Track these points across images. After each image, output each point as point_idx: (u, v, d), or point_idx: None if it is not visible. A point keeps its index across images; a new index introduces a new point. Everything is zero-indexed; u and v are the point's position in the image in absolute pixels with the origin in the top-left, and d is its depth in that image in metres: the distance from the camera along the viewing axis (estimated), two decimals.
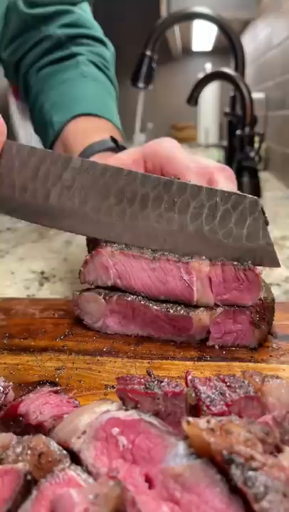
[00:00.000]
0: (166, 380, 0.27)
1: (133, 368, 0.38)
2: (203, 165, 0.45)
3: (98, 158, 0.54)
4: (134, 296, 0.41)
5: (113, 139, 0.56)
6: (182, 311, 0.40)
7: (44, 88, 0.68)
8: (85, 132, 0.59)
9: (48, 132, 0.64)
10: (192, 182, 0.42)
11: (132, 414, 0.25)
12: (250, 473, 0.20)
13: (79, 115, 0.61)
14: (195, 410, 0.27)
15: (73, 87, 0.66)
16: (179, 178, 0.44)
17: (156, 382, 0.27)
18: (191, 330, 0.40)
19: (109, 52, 0.75)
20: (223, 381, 0.27)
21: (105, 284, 0.43)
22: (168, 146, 0.46)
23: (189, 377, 0.28)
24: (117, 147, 0.56)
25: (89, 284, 0.44)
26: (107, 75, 0.71)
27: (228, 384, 0.27)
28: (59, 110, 0.63)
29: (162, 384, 0.27)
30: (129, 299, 0.41)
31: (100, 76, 0.70)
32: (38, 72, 0.69)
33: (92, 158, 0.54)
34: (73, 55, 0.69)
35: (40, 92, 0.68)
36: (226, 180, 0.44)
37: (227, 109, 1.34)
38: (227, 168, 0.46)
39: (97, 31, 0.74)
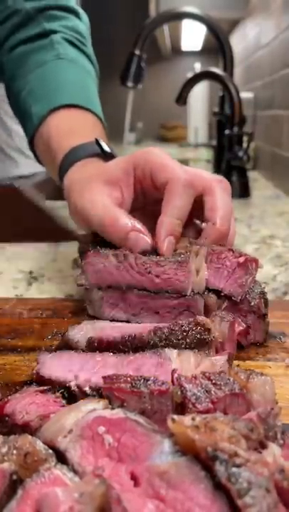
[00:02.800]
0: (152, 378, 0.28)
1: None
2: (198, 175, 0.45)
3: (83, 165, 0.52)
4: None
5: (98, 143, 0.54)
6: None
7: (19, 72, 0.64)
8: (68, 132, 0.57)
9: (26, 124, 0.61)
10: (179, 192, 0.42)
11: (118, 413, 0.25)
12: (234, 469, 0.20)
13: (60, 106, 0.58)
14: (181, 408, 0.27)
15: (51, 72, 0.62)
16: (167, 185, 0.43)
17: (142, 381, 0.27)
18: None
19: (83, 24, 0.71)
20: (209, 379, 0.27)
21: (103, 285, 0.45)
22: (159, 154, 0.46)
23: (175, 376, 0.28)
24: (102, 152, 0.54)
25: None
26: (84, 53, 0.68)
27: (213, 381, 0.27)
28: (37, 100, 0.60)
29: (148, 382, 0.27)
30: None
31: (79, 57, 0.66)
32: (11, 52, 0.65)
33: (77, 165, 0.52)
34: (46, 34, 0.65)
35: (16, 76, 0.64)
36: (223, 192, 0.44)
37: (216, 109, 1.35)
38: (224, 180, 0.45)
39: (68, 0, 0.70)
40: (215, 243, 0.43)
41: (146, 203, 0.48)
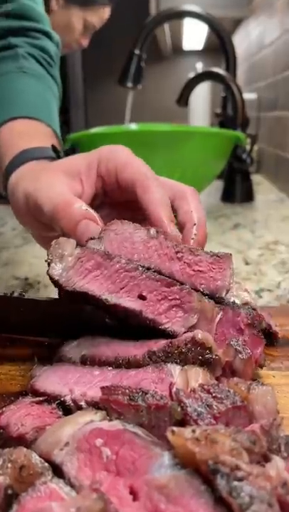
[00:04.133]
0: (151, 391, 0.28)
1: None
2: (166, 181, 0.45)
3: (36, 164, 0.50)
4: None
5: (54, 149, 0.53)
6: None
7: None
8: (22, 135, 0.55)
9: None
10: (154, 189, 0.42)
11: (116, 425, 0.25)
12: (236, 483, 0.21)
13: (16, 117, 0.57)
14: (180, 424, 0.27)
15: (11, 82, 0.62)
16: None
17: (140, 394, 0.27)
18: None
19: (54, 46, 0.70)
20: (208, 392, 0.27)
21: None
22: (126, 151, 0.45)
23: (174, 390, 0.28)
24: (58, 158, 0.52)
25: None
26: (49, 72, 0.68)
27: (213, 395, 0.27)
28: None
29: (147, 396, 0.27)
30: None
31: (43, 75, 0.66)
32: None
33: (29, 164, 0.50)
34: (11, 47, 0.65)
35: None
36: (194, 198, 0.44)
37: (218, 110, 1.35)
38: (194, 188, 0.46)
39: (44, 23, 0.69)
40: (201, 244, 0.42)
41: (105, 203, 0.48)
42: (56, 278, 0.36)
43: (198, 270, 0.38)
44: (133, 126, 1.17)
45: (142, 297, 0.35)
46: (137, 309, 0.35)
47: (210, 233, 0.97)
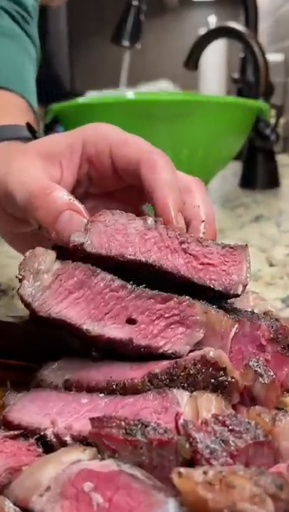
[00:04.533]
0: (152, 423, 0.28)
1: None
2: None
3: (6, 146, 0.50)
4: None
5: (30, 128, 0.53)
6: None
7: None
8: None
9: None
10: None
11: (109, 465, 0.25)
12: None
13: None
14: (189, 464, 0.26)
15: None
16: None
17: (139, 427, 0.27)
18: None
19: (33, 0, 0.71)
20: (224, 424, 0.27)
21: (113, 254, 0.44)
22: (117, 128, 0.45)
23: (180, 422, 0.28)
24: (35, 138, 0.53)
25: None
26: (25, 30, 0.68)
27: (230, 427, 0.27)
28: None
29: (147, 429, 0.27)
30: None
31: (17, 31, 0.66)
32: None
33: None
34: None
35: None
36: (201, 191, 0.45)
37: (236, 75, 1.36)
38: (200, 180, 0.46)
39: None
40: None
41: (89, 194, 0.48)
42: (28, 300, 0.36)
43: (208, 263, 0.38)
44: (130, 95, 1.17)
45: (131, 321, 0.35)
46: (125, 338, 0.35)
47: (225, 228, 0.97)
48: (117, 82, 1.65)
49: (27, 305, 0.36)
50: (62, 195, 0.41)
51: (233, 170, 1.28)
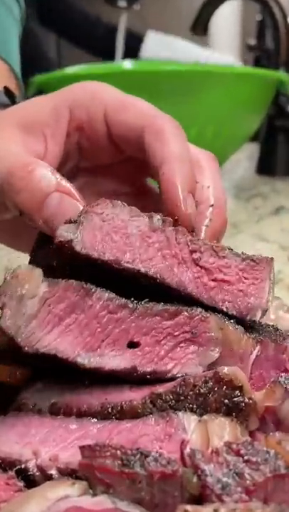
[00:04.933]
0: (153, 453, 0.27)
1: None
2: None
3: None
4: None
5: (8, 92, 0.53)
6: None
7: None
8: None
9: None
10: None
11: (102, 502, 0.25)
12: None
13: None
14: (197, 502, 0.26)
15: None
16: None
17: (138, 457, 0.27)
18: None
19: None
20: (238, 453, 0.27)
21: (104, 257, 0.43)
22: (112, 88, 0.45)
23: (187, 451, 0.28)
24: (13, 104, 0.52)
25: None
26: None
27: (245, 458, 0.27)
28: None
29: (148, 460, 0.27)
30: None
31: None
32: None
33: None
34: None
35: None
36: (213, 168, 0.44)
37: (252, 41, 1.35)
38: (214, 155, 0.46)
39: None
40: (218, 235, 0.42)
41: (80, 169, 0.47)
42: (10, 334, 0.34)
43: (223, 280, 0.37)
44: (127, 65, 1.17)
45: (132, 345, 0.35)
46: (128, 366, 0.35)
47: (239, 221, 0.97)
48: (112, 50, 1.65)
49: (10, 339, 0.34)
50: (48, 174, 0.40)
51: (249, 153, 1.28)
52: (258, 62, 1.32)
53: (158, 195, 0.44)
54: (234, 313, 0.37)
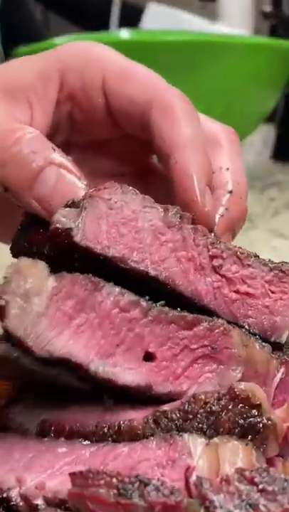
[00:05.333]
0: (154, 481, 0.27)
1: None
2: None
3: None
4: None
5: None
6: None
7: None
8: None
9: None
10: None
11: None
12: None
13: None
14: None
15: None
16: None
17: (137, 485, 0.27)
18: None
19: None
20: (252, 482, 0.27)
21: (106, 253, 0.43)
22: (115, 53, 0.44)
23: (192, 479, 0.28)
24: None
25: None
26: None
27: (260, 487, 0.27)
28: None
29: (148, 489, 0.27)
30: None
31: None
32: None
33: None
34: None
35: None
36: (233, 148, 0.44)
37: (267, 8, 1.35)
38: (234, 130, 0.45)
39: None
40: (234, 227, 0.42)
41: (71, 144, 0.46)
42: (18, 335, 0.34)
43: (246, 293, 0.37)
44: (124, 34, 1.17)
45: (148, 357, 0.35)
46: (143, 384, 0.35)
47: (253, 215, 0.97)
48: (106, 18, 1.65)
49: (18, 342, 0.34)
50: (41, 142, 0.39)
51: (264, 136, 1.28)
52: (274, 32, 1.32)
53: (164, 177, 0.44)
54: (257, 331, 0.37)
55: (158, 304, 0.35)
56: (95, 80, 0.42)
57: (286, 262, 0.38)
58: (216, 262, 0.37)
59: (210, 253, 0.37)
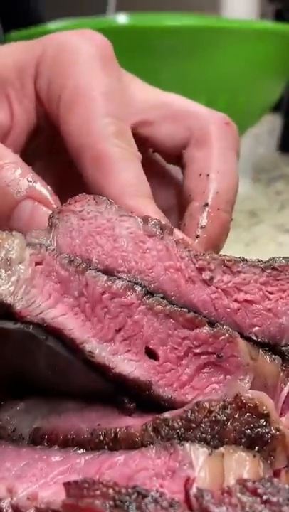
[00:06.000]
0: (152, 492, 0.27)
1: None
2: (176, 103, 0.44)
3: None
4: None
5: None
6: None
7: None
8: None
9: None
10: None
11: None
12: None
13: None
14: None
15: None
16: None
17: (134, 496, 0.27)
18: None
19: None
20: (255, 493, 0.27)
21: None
22: (84, 56, 0.42)
23: (193, 491, 0.28)
24: None
25: None
26: None
27: (264, 498, 0.27)
28: None
29: (146, 501, 0.27)
30: None
31: None
32: None
33: None
34: None
35: None
36: (225, 144, 0.43)
37: None
38: (230, 121, 0.44)
39: None
40: (209, 248, 0.41)
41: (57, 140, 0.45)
42: (7, 300, 0.34)
43: (245, 300, 0.37)
44: (121, 19, 1.17)
45: (151, 354, 0.35)
46: (143, 379, 0.35)
47: (258, 209, 0.97)
48: (103, 2, 1.65)
49: (6, 307, 0.34)
50: (17, 174, 0.38)
51: (270, 126, 1.28)
52: (279, 16, 1.32)
53: (164, 172, 0.44)
54: (265, 339, 0.37)
55: (155, 296, 0.35)
56: (55, 96, 0.42)
57: (279, 257, 0.38)
58: (205, 276, 0.37)
59: (197, 266, 0.37)
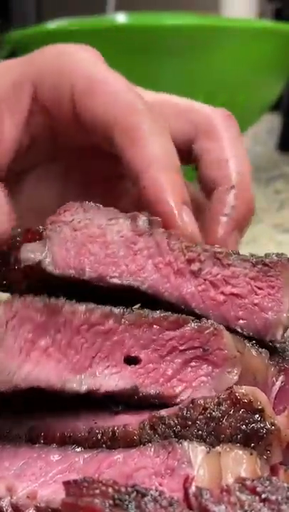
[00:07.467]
0: (152, 491, 0.27)
1: None
2: (178, 103, 0.44)
3: None
4: None
5: None
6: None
7: None
8: None
9: None
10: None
11: None
12: None
13: None
14: None
15: None
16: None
17: (133, 495, 0.27)
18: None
19: None
20: (254, 491, 0.27)
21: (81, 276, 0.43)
22: (89, 56, 0.43)
23: (192, 490, 0.28)
24: None
25: None
26: None
27: (263, 496, 0.27)
28: None
29: (145, 499, 0.27)
30: None
31: None
32: None
33: None
34: None
35: None
36: (232, 133, 0.43)
37: None
38: (230, 114, 0.45)
39: None
40: (243, 225, 0.42)
41: (61, 148, 0.46)
42: None
43: (232, 294, 0.37)
44: (121, 18, 1.17)
45: (131, 360, 0.35)
46: (127, 387, 0.34)
47: (258, 209, 0.96)
48: (103, 2, 1.65)
49: None
50: None
51: (269, 125, 1.28)
52: (279, 15, 1.32)
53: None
54: (251, 333, 0.37)
55: (134, 309, 0.35)
56: (65, 94, 0.42)
57: (273, 253, 0.38)
58: (194, 267, 0.37)
59: (186, 257, 0.37)
